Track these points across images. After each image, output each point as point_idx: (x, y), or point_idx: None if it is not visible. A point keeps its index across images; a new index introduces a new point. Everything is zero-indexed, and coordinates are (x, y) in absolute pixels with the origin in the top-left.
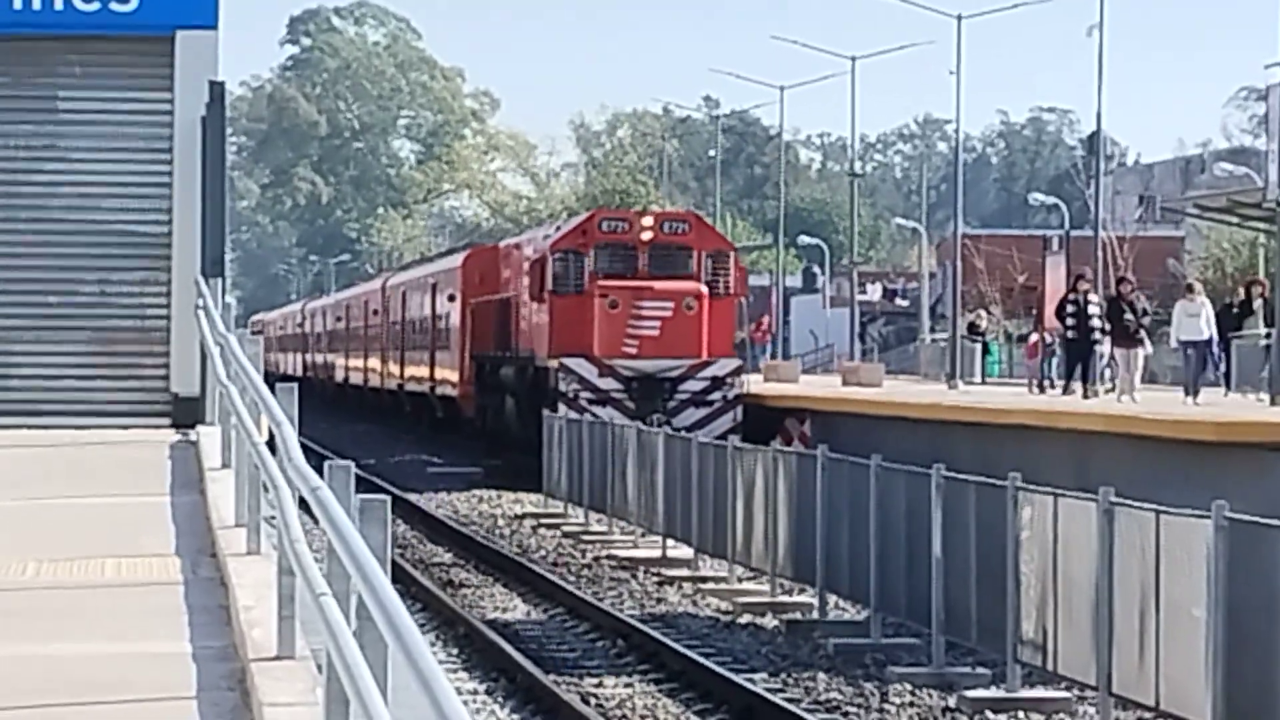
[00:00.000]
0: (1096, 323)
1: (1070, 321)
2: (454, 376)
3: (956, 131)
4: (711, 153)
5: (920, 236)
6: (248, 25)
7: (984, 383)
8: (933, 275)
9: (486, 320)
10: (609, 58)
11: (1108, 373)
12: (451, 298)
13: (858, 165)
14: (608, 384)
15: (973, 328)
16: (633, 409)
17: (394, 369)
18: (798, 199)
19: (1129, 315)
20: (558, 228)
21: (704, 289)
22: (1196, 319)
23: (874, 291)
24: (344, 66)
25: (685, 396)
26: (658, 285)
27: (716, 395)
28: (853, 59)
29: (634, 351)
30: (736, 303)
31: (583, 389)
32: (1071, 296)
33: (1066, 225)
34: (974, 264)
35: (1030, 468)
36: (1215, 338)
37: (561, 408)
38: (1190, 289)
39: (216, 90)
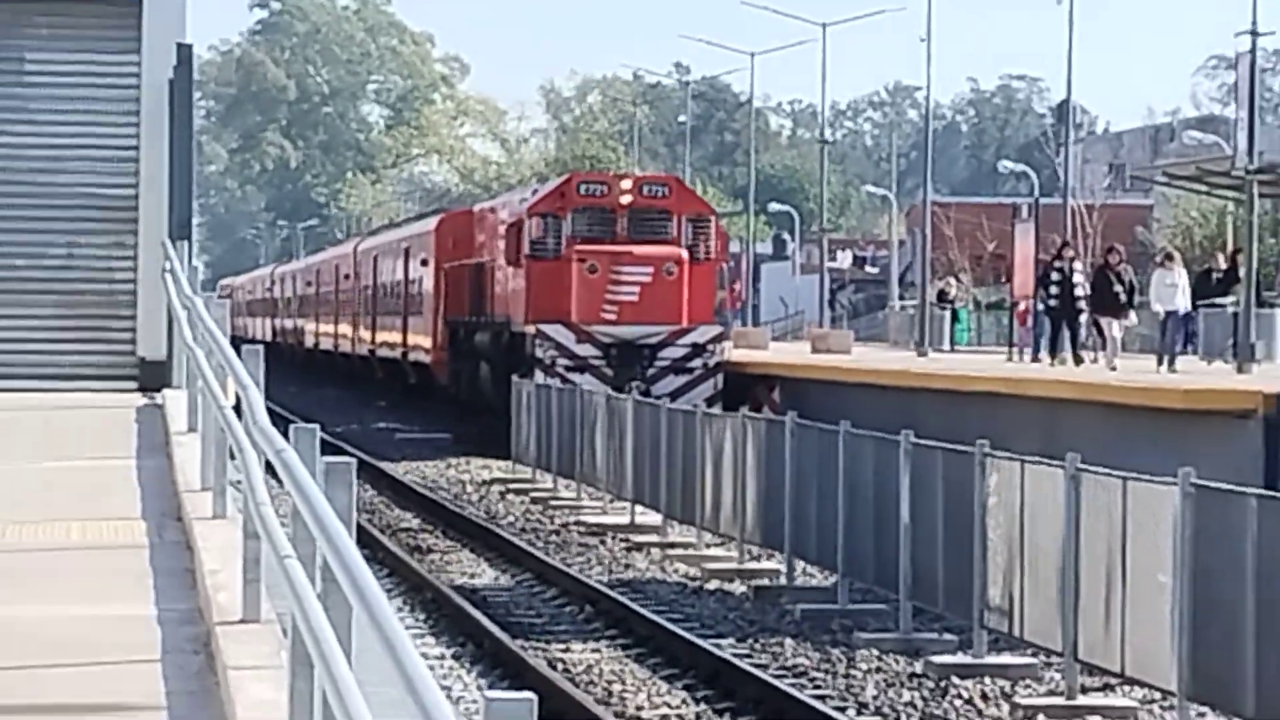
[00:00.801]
0: (1081, 291)
1: (1055, 290)
2: (427, 342)
3: (927, 99)
4: (682, 119)
5: (890, 204)
6: None
7: (953, 350)
8: (902, 243)
9: (461, 285)
10: (579, 23)
11: (1091, 342)
12: (425, 262)
13: (828, 132)
14: (586, 350)
15: (942, 295)
16: (611, 376)
17: (365, 334)
18: (768, 166)
19: (1117, 286)
20: (534, 191)
21: (684, 254)
22: (1175, 289)
23: (844, 259)
24: (313, 31)
25: (665, 364)
26: (637, 250)
27: (697, 362)
28: (823, 25)
29: (613, 318)
30: (717, 268)
31: (560, 355)
32: (1056, 264)
33: (1036, 193)
34: (943, 232)
35: (999, 435)
36: (1190, 307)
37: (539, 374)
38: (1169, 258)
39: (184, 53)
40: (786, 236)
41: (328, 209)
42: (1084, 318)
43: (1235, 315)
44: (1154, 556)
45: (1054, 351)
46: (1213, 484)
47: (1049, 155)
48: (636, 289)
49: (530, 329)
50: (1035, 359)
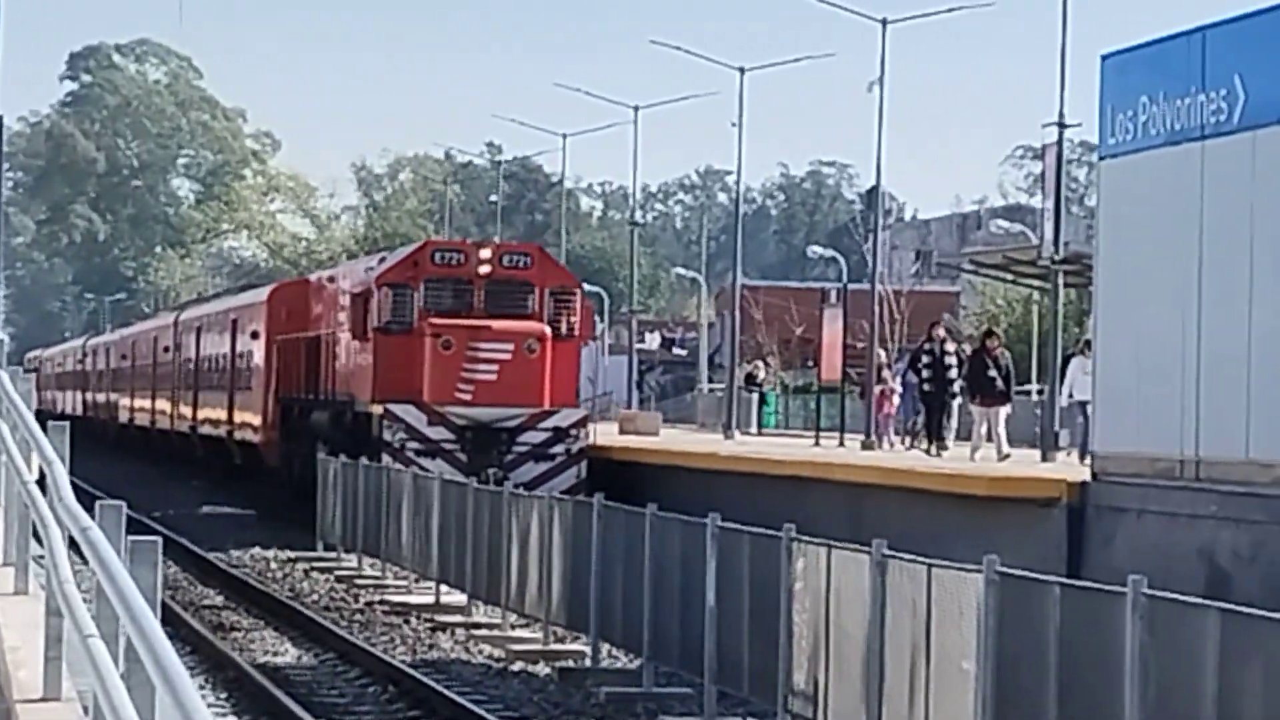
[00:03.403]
0: (954, 374)
1: (926, 374)
2: (256, 420)
3: (737, 183)
4: (493, 198)
5: (699, 286)
6: (27, 60)
7: (760, 433)
8: (711, 325)
9: (295, 360)
10: (391, 101)
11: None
12: (255, 335)
13: (638, 214)
14: (438, 433)
15: (750, 378)
16: (465, 462)
17: (186, 410)
18: (578, 246)
19: (993, 371)
20: (382, 259)
21: (547, 330)
22: (1089, 378)
23: (652, 340)
24: (124, 104)
25: (525, 449)
26: (496, 325)
27: (559, 448)
28: (635, 108)
29: (468, 398)
30: (582, 345)
31: (410, 438)
32: (926, 346)
33: (844, 278)
34: (752, 315)
35: (807, 519)
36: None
37: (385, 458)
38: (1089, 345)
39: None
40: (596, 317)
41: (136, 283)
42: (957, 402)
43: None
44: (958, 643)
45: (930, 437)
46: (1016, 572)
47: (857, 241)
48: (495, 367)
49: (377, 409)
50: (910, 444)
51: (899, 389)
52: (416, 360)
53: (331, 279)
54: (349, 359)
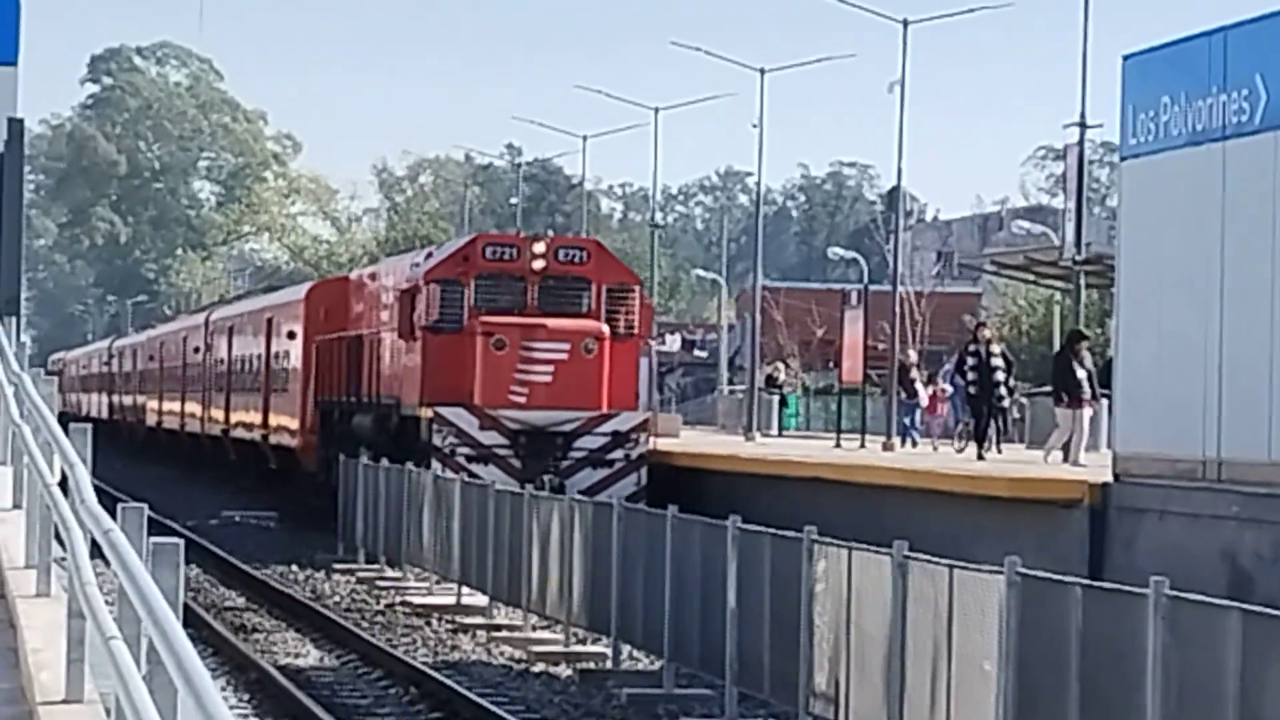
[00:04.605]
0: (1001, 376)
1: (971, 375)
2: (293, 424)
3: (758, 184)
4: (514, 200)
5: (720, 288)
6: (48, 63)
7: (781, 435)
8: (731, 327)
9: (335, 361)
10: (412, 104)
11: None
12: (292, 335)
13: (659, 216)
14: (491, 438)
15: (771, 380)
16: (519, 468)
17: (217, 413)
18: None
19: (1080, 372)
20: (429, 254)
21: (604, 328)
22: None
23: (673, 342)
24: (145, 106)
25: (582, 454)
26: (551, 323)
27: (618, 454)
28: (655, 110)
29: (522, 401)
30: (641, 345)
31: (461, 443)
32: (972, 347)
33: (865, 279)
34: (773, 316)
35: (827, 520)
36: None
37: (435, 465)
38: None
39: (15, 128)
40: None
41: (157, 285)
42: (1006, 404)
43: None
44: (979, 644)
45: (979, 441)
46: (1038, 573)
47: (878, 242)
48: (550, 368)
49: (425, 412)
50: (962, 448)
51: (950, 389)
52: (467, 361)
53: (373, 276)
54: (395, 360)
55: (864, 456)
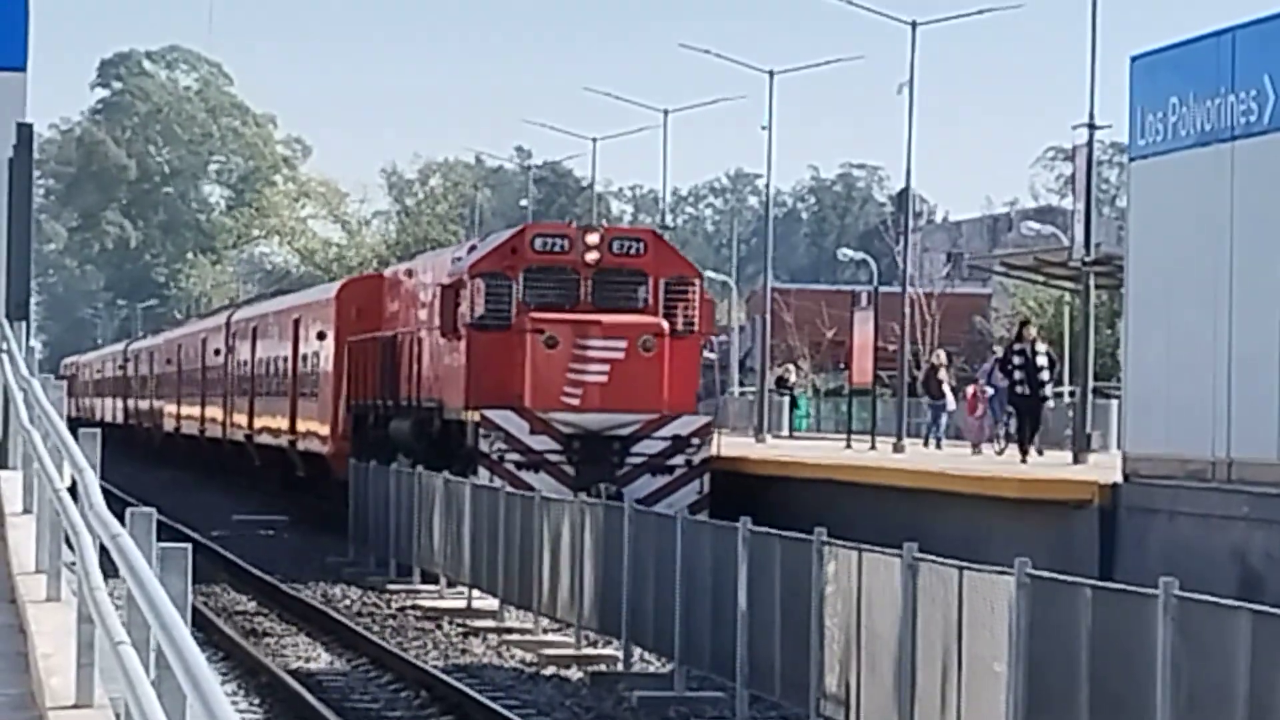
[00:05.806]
0: (1046, 375)
1: (1018, 375)
2: (323, 429)
3: (767, 186)
4: (523, 202)
5: (730, 290)
6: (57, 67)
7: (792, 436)
8: (742, 329)
9: (369, 362)
10: (421, 106)
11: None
12: (322, 335)
13: (669, 218)
14: (542, 443)
15: (781, 381)
16: (573, 476)
17: (240, 418)
18: None
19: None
20: (473, 246)
21: (664, 325)
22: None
23: None
24: (154, 110)
25: (640, 460)
26: (606, 320)
27: (679, 459)
28: (665, 112)
29: (576, 403)
30: (702, 343)
31: (510, 449)
32: (1017, 346)
33: (875, 281)
34: (783, 318)
35: (838, 522)
36: None
37: (482, 472)
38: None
39: (25, 133)
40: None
41: (168, 289)
42: (1048, 405)
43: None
44: (990, 645)
45: (1022, 443)
46: (1048, 574)
47: (888, 243)
48: (606, 368)
49: (471, 416)
50: (1002, 449)
51: (991, 390)
52: (516, 360)
53: (410, 272)
54: (436, 360)
55: (874, 458)
